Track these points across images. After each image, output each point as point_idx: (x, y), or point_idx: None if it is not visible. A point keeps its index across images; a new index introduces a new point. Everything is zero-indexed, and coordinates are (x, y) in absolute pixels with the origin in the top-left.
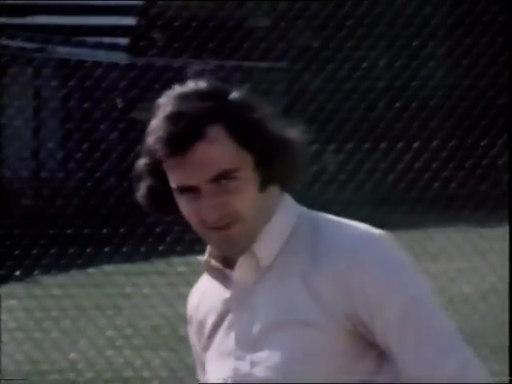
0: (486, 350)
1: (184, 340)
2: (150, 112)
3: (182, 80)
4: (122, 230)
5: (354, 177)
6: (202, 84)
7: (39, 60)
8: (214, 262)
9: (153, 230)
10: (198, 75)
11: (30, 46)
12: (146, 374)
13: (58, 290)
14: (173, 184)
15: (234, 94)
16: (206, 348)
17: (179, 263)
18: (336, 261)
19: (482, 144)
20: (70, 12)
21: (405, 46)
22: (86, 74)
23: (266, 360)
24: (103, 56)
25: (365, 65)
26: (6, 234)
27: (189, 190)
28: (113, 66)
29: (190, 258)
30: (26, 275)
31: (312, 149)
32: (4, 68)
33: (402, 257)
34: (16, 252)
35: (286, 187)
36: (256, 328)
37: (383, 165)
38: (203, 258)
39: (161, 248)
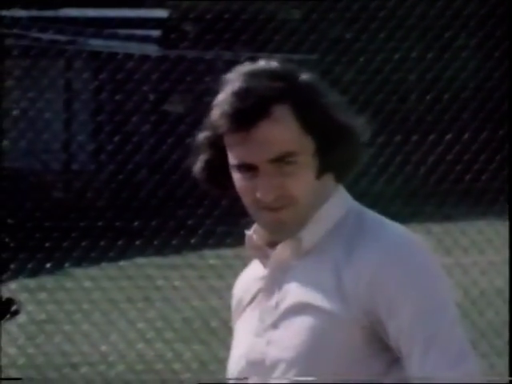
0: None
1: (215, 333)
2: (183, 104)
3: (213, 72)
4: (153, 223)
5: (386, 169)
6: (272, 64)
7: (71, 52)
8: (256, 239)
9: (184, 223)
10: (230, 67)
11: (61, 38)
12: (177, 366)
13: (89, 282)
14: (232, 160)
15: (304, 77)
16: (237, 320)
17: (211, 256)
18: (367, 257)
19: None
20: (101, 4)
21: (437, 37)
22: (117, 67)
23: (281, 340)
24: (135, 48)
25: (396, 56)
26: (36, 226)
27: (247, 168)
28: (144, 58)
29: (222, 251)
30: (57, 268)
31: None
32: (35, 60)
33: (432, 264)
34: (47, 244)
35: (341, 178)
36: (281, 308)
37: (415, 157)
38: (248, 232)
39: (192, 241)
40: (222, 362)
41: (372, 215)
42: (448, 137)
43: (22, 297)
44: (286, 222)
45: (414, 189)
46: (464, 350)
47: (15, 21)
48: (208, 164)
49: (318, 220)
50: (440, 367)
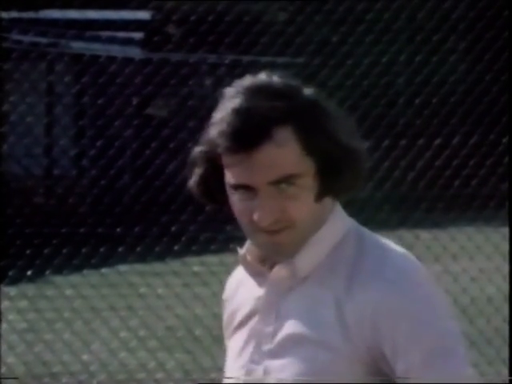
0: (506, 352)
1: (199, 341)
2: (166, 108)
3: (197, 75)
4: (136, 229)
5: (374, 175)
6: (275, 79)
7: (52, 55)
8: (249, 258)
9: (168, 230)
10: (214, 70)
11: (42, 40)
12: (160, 376)
13: (71, 290)
14: (230, 179)
15: (307, 94)
16: (230, 338)
17: (194, 263)
18: (369, 292)
19: (504, 141)
20: (83, 6)
21: (425, 40)
22: (99, 70)
23: (279, 371)
24: (117, 51)
25: (384, 60)
26: (17, 232)
27: (245, 189)
28: (127, 61)
29: (206, 258)
30: (38, 275)
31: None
32: (16, 63)
33: (436, 298)
34: (27, 251)
35: (339, 199)
36: (278, 336)
37: (403, 163)
38: (241, 250)
39: (176, 248)
40: (206, 371)
41: (371, 237)
42: (437, 142)
43: (2, 305)
44: (283, 245)
45: (402, 195)
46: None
47: None
48: (203, 179)
49: (314, 243)
50: None
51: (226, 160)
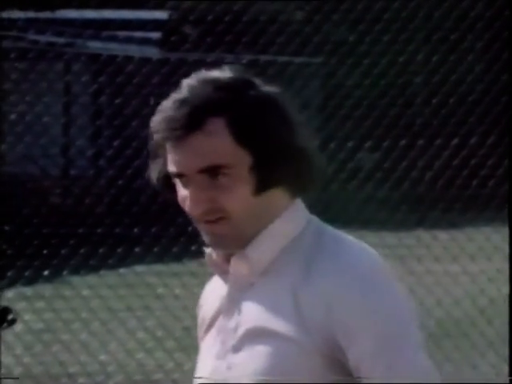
0: None
1: None
2: None
3: None
4: (153, 230)
5: (391, 175)
6: (226, 74)
7: (69, 55)
8: (215, 256)
9: (185, 230)
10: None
11: (59, 40)
12: (177, 376)
13: (88, 290)
14: (168, 168)
15: (254, 90)
16: (202, 339)
17: None
18: (324, 282)
19: None
20: (100, 6)
21: (442, 39)
22: (116, 70)
23: (241, 366)
24: (135, 51)
25: (402, 59)
26: (34, 233)
27: (180, 177)
28: (144, 60)
29: None
30: (55, 275)
31: (348, 146)
32: (33, 63)
33: (391, 286)
34: (44, 251)
35: (297, 194)
36: (240, 331)
37: (420, 162)
38: (208, 249)
39: (193, 248)
40: None
41: (331, 232)
42: (454, 141)
43: (19, 305)
44: (222, 236)
45: (419, 195)
46: (428, 377)
47: (12, 22)
48: (160, 171)
49: (267, 236)
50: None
51: (167, 148)
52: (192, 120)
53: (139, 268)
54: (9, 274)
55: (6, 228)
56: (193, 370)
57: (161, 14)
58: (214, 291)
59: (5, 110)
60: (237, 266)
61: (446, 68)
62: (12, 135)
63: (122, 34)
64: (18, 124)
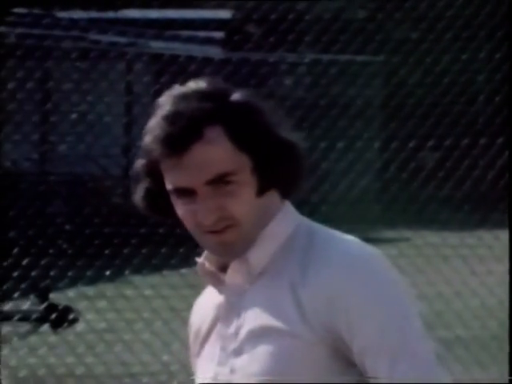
0: None
1: None
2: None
3: (277, 75)
4: None
5: (454, 173)
6: (202, 84)
7: (131, 55)
8: (208, 266)
9: None
10: (293, 69)
11: (121, 40)
12: None
13: (150, 290)
14: (169, 186)
15: (236, 96)
16: (198, 354)
17: None
18: (323, 275)
19: None
20: (163, 5)
21: (506, 36)
22: (179, 69)
23: (244, 367)
24: (197, 51)
25: (464, 57)
26: (95, 232)
27: (185, 192)
28: (207, 60)
29: None
30: (117, 275)
31: (409, 146)
32: (95, 63)
33: (390, 278)
34: (106, 251)
35: (287, 194)
36: (241, 334)
37: (482, 161)
38: (200, 259)
39: None
40: None
41: (323, 231)
42: None
43: (81, 305)
44: (231, 243)
45: (481, 194)
46: (432, 363)
47: (74, 22)
48: (148, 192)
49: (264, 239)
50: (408, 381)
51: (163, 166)
52: (191, 131)
53: None
54: (70, 273)
55: (68, 228)
56: None
57: (224, 14)
58: (206, 304)
59: (66, 109)
60: (235, 270)
61: (509, 65)
62: (73, 135)
63: (184, 33)
64: (79, 124)
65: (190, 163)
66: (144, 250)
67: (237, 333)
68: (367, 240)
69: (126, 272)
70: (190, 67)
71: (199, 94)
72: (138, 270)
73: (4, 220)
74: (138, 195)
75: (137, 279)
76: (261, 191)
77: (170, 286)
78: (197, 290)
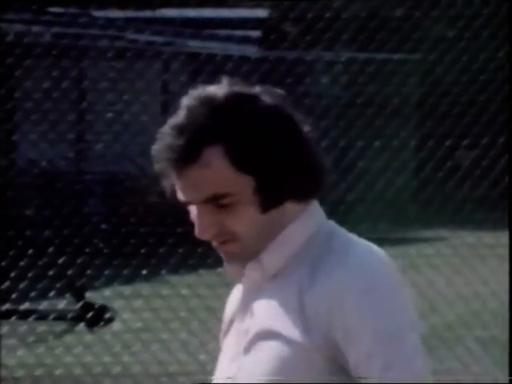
0: None
1: None
2: None
3: (313, 74)
4: None
5: (489, 173)
6: (223, 90)
7: (168, 54)
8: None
9: None
10: (330, 68)
11: (158, 39)
12: None
13: (187, 289)
14: (177, 193)
15: (251, 108)
16: (222, 343)
17: None
18: (329, 282)
19: None
20: (200, 5)
21: None
22: (215, 68)
23: (249, 368)
24: (234, 49)
25: (501, 55)
26: (131, 232)
27: (188, 203)
28: (244, 59)
29: None
30: (153, 274)
31: (445, 144)
32: (131, 62)
33: (392, 291)
34: (142, 251)
35: (304, 202)
36: (250, 333)
37: None
38: None
39: None
40: None
41: (341, 236)
42: None
43: (117, 304)
44: (234, 254)
45: None
46: (422, 379)
47: (110, 22)
48: (170, 188)
49: (280, 242)
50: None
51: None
52: (188, 152)
53: None
54: (106, 272)
55: (104, 227)
56: None
57: (261, 13)
58: (236, 295)
59: (102, 108)
60: (251, 271)
61: None
62: (109, 134)
63: (221, 32)
64: (115, 123)
65: (187, 181)
66: (180, 250)
67: (248, 331)
68: (405, 240)
69: (163, 271)
70: (226, 66)
71: (212, 104)
72: (174, 270)
73: (40, 219)
74: (169, 191)
75: (173, 278)
76: (266, 209)
77: (206, 286)
78: (232, 289)
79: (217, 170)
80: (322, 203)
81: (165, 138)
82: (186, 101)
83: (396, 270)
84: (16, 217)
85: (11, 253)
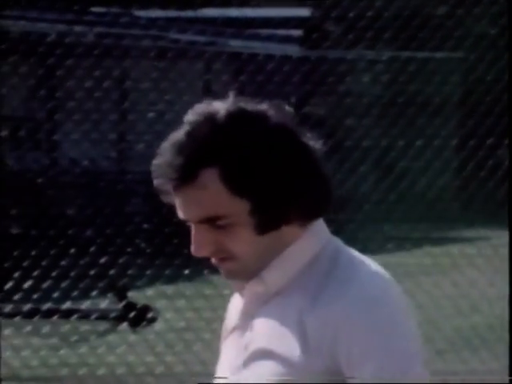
0: None
1: None
2: (324, 106)
3: (355, 72)
4: None
5: None
6: (226, 107)
7: (210, 54)
8: None
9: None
10: (372, 67)
11: (200, 39)
12: None
13: (229, 290)
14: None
15: (252, 128)
16: (221, 347)
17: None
18: (331, 311)
19: None
20: (242, 4)
21: None
22: (257, 68)
23: (248, 382)
24: (276, 49)
25: None
26: (174, 231)
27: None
28: (285, 59)
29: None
30: (196, 274)
31: (487, 143)
32: (173, 62)
33: (398, 316)
34: (185, 250)
35: (307, 222)
36: (249, 350)
37: None
38: None
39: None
40: None
41: (347, 256)
42: None
43: (160, 304)
44: (232, 273)
45: None
46: None
47: (152, 21)
48: None
49: (282, 261)
50: None
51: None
52: (185, 173)
53: None
54: (148, 272)
55: (146, 226)
56: None
57: (303, 12)
58: (236, 301)
59: (144, 108)
60: (252, 287)
61: None
62: (151, 134)
63: (263, 32)
64: (157, 123)
65: (184, 201)
66: None
67: (246, 347)
68: (446, 239)
69: (205, 271)
70: (268, 65)
71: (213, 123)
72: (216, 269)
73: (82, 218)
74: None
75: (216, 278)
76: (262, 231)
77: None
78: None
79: (212, 192)
80: (365, 203)
81: (164, 154)
82: (190, 116)
83: (400, 294)
84: (58, 216)
85: (53, 252)
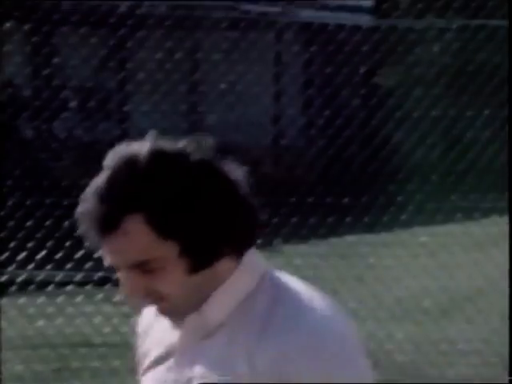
0: None
1: (428, 313)
2: (391, 77)
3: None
4: (363, 199)
5: None
6: (145, 149)
7: (281, 24)
8: None
9: (394, 199)
10: (441, 36)
11: (271, 10)
12: (389, 347)
13: (299, 259)
14: None
15: (173, 170)
16: (142, 376)
17: (422, 233)
18: (278, 347)
19: None
20: None
21: None
22: (328, 38)
23: None
24: (346, 19)
25: None
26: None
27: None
28: (355, 29)
29: (433, 228)
30: (266, 244)
31: None
32: (244, 33)
33: (345, 356)
34: None
35: (242, 253)
36: None
37: None
38: None
39: (403, 217)
40: (435, 343)
41: (287, 288)
42: None
43: None
44: (168, 312)
45: None
46: None
47: None
48: None
49: (221, 294)
50: None
51: None
52: (108, 221)
53: (350, 238)
54: None
55: None
56: (403, 341)
57: None
58: (160, 327)
59: (215, 79)
60: (190, 322)
61: None
62: (222, 105)
63: (334, 2)
64: (228, 94)
65: (110, 249)
66: (293, 220)
67: (190, 381)
68: (495, 210)
69: (275, 241)
70: (338, 35)
71: (134, 167)
72: (286, 239)
73: None
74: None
75: (285, 248)
76: (193, 271)
77: (318, 256)
78: (345, 259)
79: (137, 238)
80: (433, 173)
81: (87, 202)
82: (109, 160)
83: (346, 324)
84: None
85: None
